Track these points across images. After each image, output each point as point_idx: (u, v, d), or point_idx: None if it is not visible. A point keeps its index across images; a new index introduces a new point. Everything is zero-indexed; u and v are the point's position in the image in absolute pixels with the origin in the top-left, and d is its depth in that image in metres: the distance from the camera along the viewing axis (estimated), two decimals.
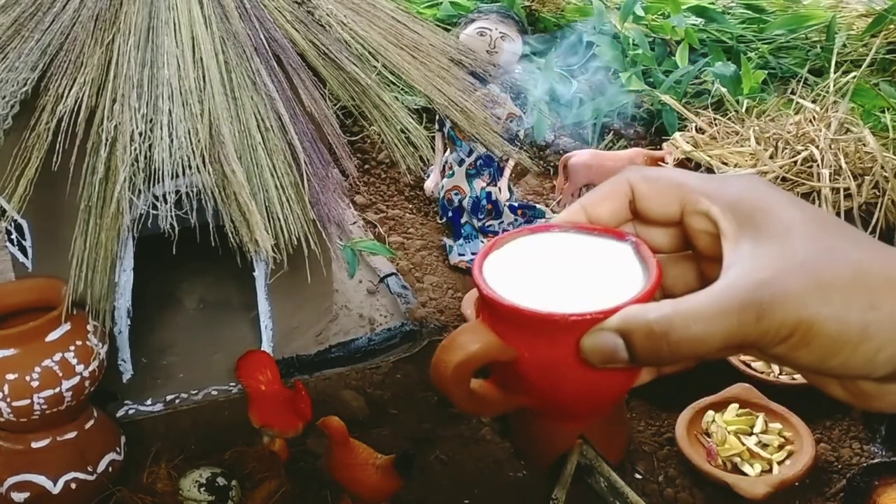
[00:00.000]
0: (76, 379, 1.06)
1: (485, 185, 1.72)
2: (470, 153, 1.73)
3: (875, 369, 0.42)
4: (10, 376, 1.02)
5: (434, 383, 0.48)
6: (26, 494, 1.07)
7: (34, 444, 1.08)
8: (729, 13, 2.34)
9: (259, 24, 1.18)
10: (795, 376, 1.35)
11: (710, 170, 1.78)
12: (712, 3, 2.35)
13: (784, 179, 1.71)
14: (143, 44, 1.10)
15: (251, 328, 1.40)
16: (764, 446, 1.20)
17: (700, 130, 1.86)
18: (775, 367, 1.36)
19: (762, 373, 1.36)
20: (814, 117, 1.74)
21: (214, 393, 1.30)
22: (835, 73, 1.93)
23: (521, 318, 0.45)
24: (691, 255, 0.51)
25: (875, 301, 0.41)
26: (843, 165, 1.66)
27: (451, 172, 1.75)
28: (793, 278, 0.41)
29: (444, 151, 1.78)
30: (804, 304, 0.40)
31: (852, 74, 1.91)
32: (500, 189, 1.73)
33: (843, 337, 0.41)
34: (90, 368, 1.08)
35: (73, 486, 1.09)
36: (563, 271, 0.49)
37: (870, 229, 1.62)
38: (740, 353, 0.44)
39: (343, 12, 1.25)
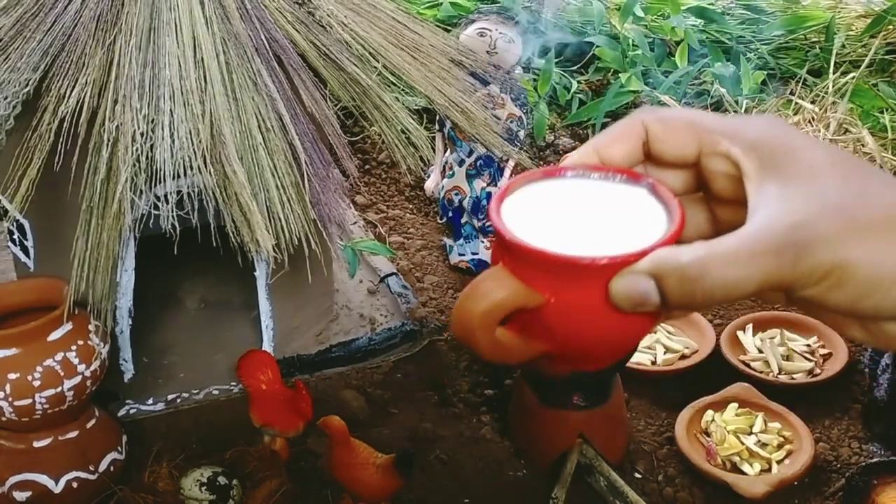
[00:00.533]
0: (78, 378, 1.06)
1: (485, 185, 1.73)
2: (470, 153, 1.73)
3: None
4: (12, 376, 1.02)
5: (457, 334, 0.46)
6: (28, 494, 1.07)
7: (36, 444, 1.08)
8: (728, 14, 2.34)
9: (260, 24, 1.18)
10: (795, 376, 1.36)
11: None
12: (712, 4, 2.35)
13: None
14: (144, 44, 1.10)
15: (252, 328, 1.40)
16: (763, 445, 1.21)
17: None
18: (774, 367, 1.37)
19: (761, 372, 1.36)
20: (813, 118, 1.74)
21: (215, 392, 1.31)
22: (834, 73, 1.94)
23: (547, 263, 0.43)
24: (702, 196, 0.50)
25: None
26: None
27: (451, 173, 1.75)
28: (827, 221, 0.40)
29: (445, 152, 1.79)
30: (839, 246, 0.40)
31: (851, 75, 1.92)
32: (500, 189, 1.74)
33: (877, 280, 0.41)
34: (92, 368, 1.08)
35: (75, 485, 1.09)
36: (581, 215, 0.47)
37: None
38: (769, 295, 0.44)
39: (344, 13, 1.26)
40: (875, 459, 1.20)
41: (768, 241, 0.41)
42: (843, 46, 2.13)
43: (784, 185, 0.42)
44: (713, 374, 1.39)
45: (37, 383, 1.03)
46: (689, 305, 0.43)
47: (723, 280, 0.41)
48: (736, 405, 1.27)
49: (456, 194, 1.73)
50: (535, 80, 2.12)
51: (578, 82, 2.22)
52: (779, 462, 1.19)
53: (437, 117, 1.74)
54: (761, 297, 0.44)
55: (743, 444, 1.21)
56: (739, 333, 1.44)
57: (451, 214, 1.75)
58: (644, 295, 0.42)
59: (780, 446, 1.21)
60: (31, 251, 1.27)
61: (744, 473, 1.17)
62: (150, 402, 1.28)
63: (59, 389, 1.04)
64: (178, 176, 1.05)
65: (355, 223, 1.76)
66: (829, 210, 0.41)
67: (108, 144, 1.05)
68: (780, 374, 1.36)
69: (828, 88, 1.85)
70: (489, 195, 1.72)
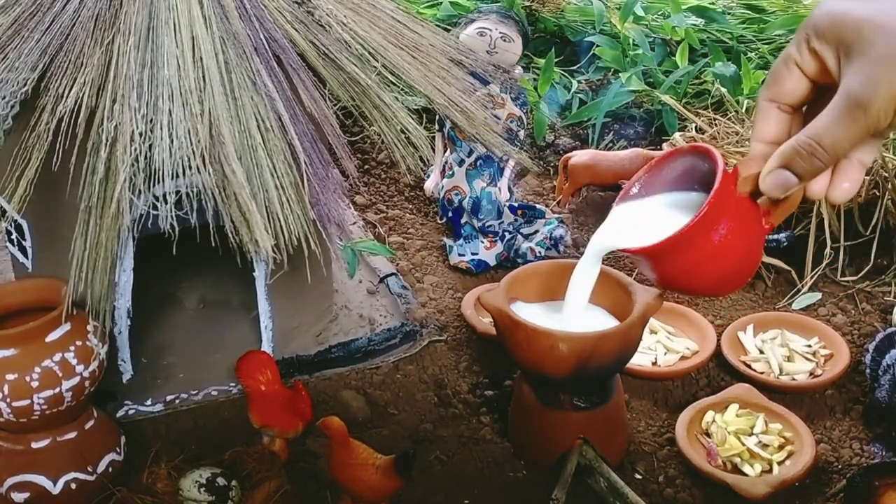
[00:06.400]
0: (76, 379, 1.06)
1: (485, 185, 1.72)
2: (470, 153, 1.72)
3: None
4: (10, 376, 1.02)
5: None
6: (26, 495, 1.07)
7: (34, 445, 1.08)
8: (729, 13, 2.34)
9: (259, 24, 1.18)
10: (796, 377, 1.35)
11: None
12: (712, 3, 2.35)
13: None
14: (143, 44, 1.10)
15: (251, 328, 1.40)
16: (764, 446, 1.20)
17: (700, 130, 1.86)
18: (776, 368, 1.36)
19: (762, 373, 1.36)
20: None
21: (214, 393, 1.30)
22: None
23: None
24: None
25: None
26: None
27: (451, 173, 1.75)
28: (874, 77, 0.55)
29: (444, 152, 1.78)
30: (891, 85, 0.54)
31: None
32: (500, 189, 1.73)
33: None
34: (90, 368, 1.08)
35: (73, 486, 1.09)
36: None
37: (869, 229, 1.62)
38: (873, 137, 0.59)
39: (343, 12, 1.25)
40: (876, 461, 1.20)
41: (840, 109, 0.56)
42: None
43: (850, 62, 0.57)
44: (714, 375, 1.39)
45: (35, 384, 1.02)
46: (819, 171, 0.59)
47: (832, 139, 0.57)
48: (737, 406, 1.26)
49: (456, 194, 1.73)
50: (535, 79, 2.12)
51: (579, 82, 2.21)
52: (780, 463, 1.18)
53: (437, 117, 1.74)
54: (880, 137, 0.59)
55: (744, 444, 1.20)
56: (740, 334, 1.44)
57: (450, 214, 1.74)
58: (785, 180, 0.60)
59: (781, 447, 1.20)
60: (30, 251, 1.26)
61: (745, 474, 1.17)
62: (149, 402, 1.28)
63: (57, 390, 1.04)
64: (177, 176, 1.04)
65: (355, 223, 1.76)
66: (878, 69, 0.55)
67: (106, 144, 1.05)
68: (781, 374, 1.36)
69: None
70: (489, 195, 1.72)
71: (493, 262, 1.67)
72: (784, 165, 0.60)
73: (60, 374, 1.04)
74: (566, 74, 2.22)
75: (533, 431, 1.20)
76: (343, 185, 1.25)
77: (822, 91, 0.64)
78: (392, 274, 1.58)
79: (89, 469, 1.10)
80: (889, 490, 1.08)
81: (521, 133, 1.75)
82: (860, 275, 1.60)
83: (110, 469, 1.12)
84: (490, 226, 1.72)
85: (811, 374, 1.36)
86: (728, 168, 0.67)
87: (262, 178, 1.10)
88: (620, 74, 2.12)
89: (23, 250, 1.28)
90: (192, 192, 1.07)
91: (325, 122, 1.20)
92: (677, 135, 1.83)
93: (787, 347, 1.40)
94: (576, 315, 1.09)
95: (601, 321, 1.17)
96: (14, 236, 1.28)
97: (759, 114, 0.65)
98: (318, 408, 1.23)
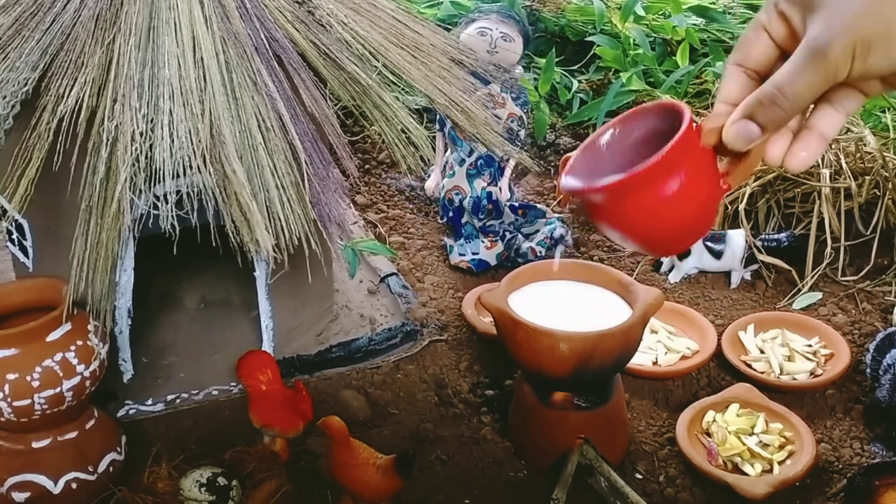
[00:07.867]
0: (77, 379, 1.06)
1: (485, 184, 1.72)
2: (470, 153, 1.72)
3: None
4: (11, 376, 1.02)
5: None
6: (27, 494, 1.07)
7: (35, 444, 1.08)
8: (730, 13, 2.34)
9: (260, 24, 1.18)
10: (796, 377, 1.35)
11: None
12: (713, 3, 2.35)
13: (784, 179, 1.71)
14: (143, 44, 1.10)
15: (252, 328, 1.40)
16: (765, 446, 1.20)
17: None
18: (776, 368, 1.36)
19: (763, 373, 1.36)
20: None
21: (215, 393, 1.30)
22: None
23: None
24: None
25: None
26: (844, 165, 1.66)
27: (451, 172, 1.74)
28: (832, 24, 0.57)
29: (445, 151, 1.78)
30: (849, 30, 0.56)
31: None
32: (500, 189, 1.73)
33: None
34: (91, 368, 1.08)
35: (74, 485, 1.09)
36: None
37: (870, 229, 1.62)
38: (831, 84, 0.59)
39: (344, 12, 1.25)
40: (877, 460, 1.20)
41: (801, 59, 0.58)
42: None
43: (812, 17, 0.59)
44: (714, 375, 1.39)
45: (36, 384, 1.02)
46: (781, 120, 0.60)
47: (793, 87, 0.58)
48: (737, 406, 1.26)
49: (456, 194, 1.73)
50: (535, 79, 2.12)
51: (579, 82, 2.21)
52: (780, 463, 1.18)
53: (438, 117, 1.74)
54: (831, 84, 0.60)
55: (744, 444, 1.20)
56: (741, 334, 1.44)
57: (451, 214, 1.74)
58: (748, 130, 0.60)
59: (781, 447, 1.20)
60: (30, 251, 1.26)
61: (745, 474, 1.17)
62: (150, 402, 1.28)
63: (58, 390, 1.04)
64: (178, 175, 1.04)
65: (355, 223, 1.76)
66: (837, 20, 0.57)
67: (107, 144, 1.05)
68: (781, 374, 1.36)
69: None
70: (490, 195, 1.71)
71: (493, 262, 1.67)
72: (747, 116, 0.62)
73: (61, 374, 1.04)
74: (566, 74, 2.22)
75: (533, 431, 1.20)
76: (343, 185, 1.25)
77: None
78: (393, 274, 1.58)
79: (90, 469, 1.10)
80: (889, 490, 1.08)
81: (522, 133, 1.75)
82: (860, 274, 1.60)
83: (111, 469, 1.12)
84: (491, 225, 1.72)
85: (812, 373, 1.36)
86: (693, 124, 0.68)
87: (262, 178, 1.10)
88: (621, 74, 2.11)
89: (23, 250, 1.28)
90: (193, 191, 1.07)
91: (325, 121, 1.20)
92: None
93: (788, 347, 1.40)
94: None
95: (611, 302, 1.17)
96: (15, 236, 1.28)
97: (725, 77, 0.67)
98: (319, 407, 1.23)
